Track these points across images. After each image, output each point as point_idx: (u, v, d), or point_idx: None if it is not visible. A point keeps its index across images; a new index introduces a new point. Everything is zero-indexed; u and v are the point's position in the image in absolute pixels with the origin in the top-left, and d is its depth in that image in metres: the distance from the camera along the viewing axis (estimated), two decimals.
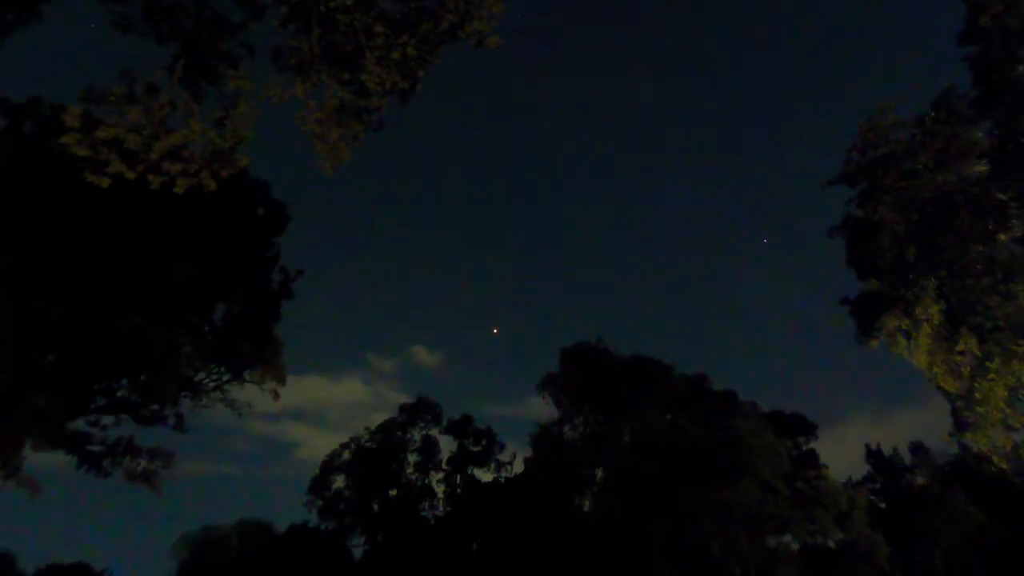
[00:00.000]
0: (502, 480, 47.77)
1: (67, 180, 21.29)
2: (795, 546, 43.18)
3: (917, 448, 54.11)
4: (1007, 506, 45.80)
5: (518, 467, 48.59)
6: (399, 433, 49.39)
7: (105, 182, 11.14)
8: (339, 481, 47.63)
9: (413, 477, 48.02)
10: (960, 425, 23.02)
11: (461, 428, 49.95)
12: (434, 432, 50.14)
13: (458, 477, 48.01)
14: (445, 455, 49.11)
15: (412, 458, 48.74)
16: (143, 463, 28.54)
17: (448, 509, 46.43)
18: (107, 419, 27.73)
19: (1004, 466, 22.88)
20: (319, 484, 47.51)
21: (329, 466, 48.31)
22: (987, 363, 21.69)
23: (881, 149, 24.62)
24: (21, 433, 24.74)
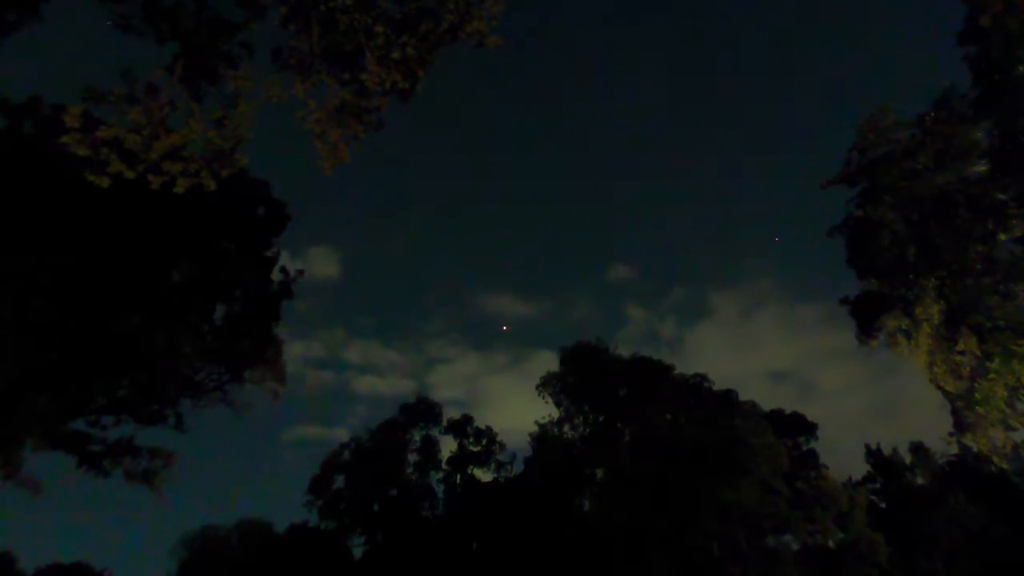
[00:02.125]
0: (502, 480, 47.78)
1: (67, 180, 21.29)
2: (795, 546, 43.17)
3: (917, 448, 54.11)
4: (1007, 506, 45.77)
5: (518, 463, 48.72)
6: (399, 433, 49.41)
7: (105, 182, 11.15)
8: (339, 481, 47.70)
9: (413, 477, 48.04)
10: (960, 425, 23.00)
11: (461, 428, 49.97)
12: (434, 432, 50.19)
13: (458, 477, 48.02)
14: (445, 455, 49.18)
15: (412, 458, 48.77)
16: (143, 463, 28.55)
17: (448, 509, 46.44)
18: (107, 419, 27.72)
19: (1004, 466, 22.88)
20: (319, 484, 47.53)
21: (329, 466, 48.35)
22: (987, 363, 21.68)
23: (881, 149, 24.64)
24: (21, 433, 24.74)
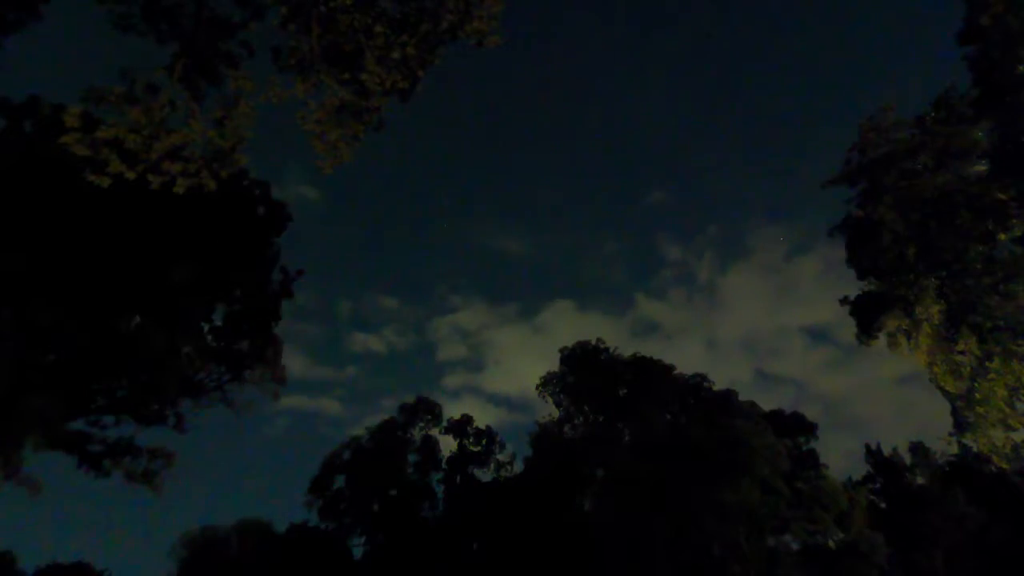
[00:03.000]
0: (502, 480, 47.80)
1: (67, 180, 21.30)
2: (795, 546, 43.15)
3: (917, 448, 54.16)
4: (1007, 506, 45.79)
5: (519, 463, 48.75)
6: (399, 433, 49.42)
7: (105, 182, 11.13)
8: (339, 481, 47.71)
9: (413, 477, 48.05)
10: (960, 425, 23.01)
11: (461, 428, 50.00)
12: (434, 432, 50.24)
13: (458, 477, 48.03)
14: (445, 455, 49.20)
15: (412, 458, 48.80)
16: (143, 463, 28.55)
17: (448, 509, 46.44)
18: (107, 419, 27.73)
19: (1004, 466, 22.88)
20: (319, 484, 47.54)
21: (329, 466, 48.35)
22: (987, 363, 21.69)
23: (881, 149, 24.67)
24: (21, 433, 24.73)
